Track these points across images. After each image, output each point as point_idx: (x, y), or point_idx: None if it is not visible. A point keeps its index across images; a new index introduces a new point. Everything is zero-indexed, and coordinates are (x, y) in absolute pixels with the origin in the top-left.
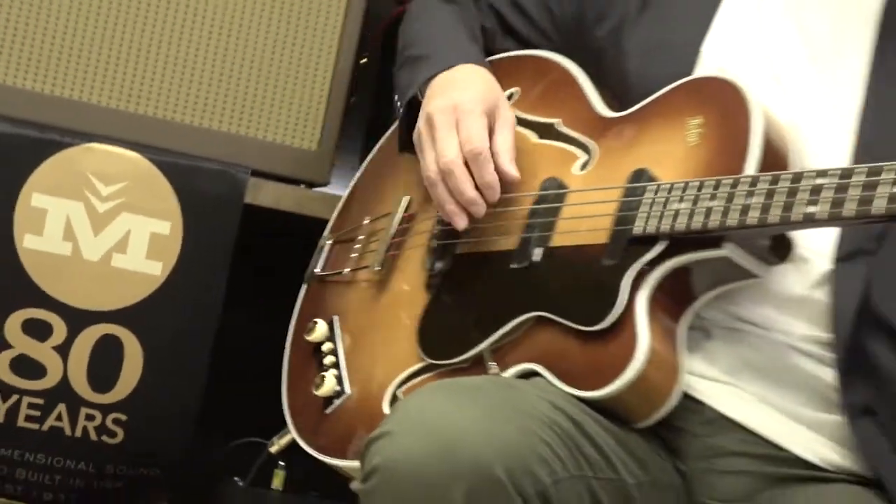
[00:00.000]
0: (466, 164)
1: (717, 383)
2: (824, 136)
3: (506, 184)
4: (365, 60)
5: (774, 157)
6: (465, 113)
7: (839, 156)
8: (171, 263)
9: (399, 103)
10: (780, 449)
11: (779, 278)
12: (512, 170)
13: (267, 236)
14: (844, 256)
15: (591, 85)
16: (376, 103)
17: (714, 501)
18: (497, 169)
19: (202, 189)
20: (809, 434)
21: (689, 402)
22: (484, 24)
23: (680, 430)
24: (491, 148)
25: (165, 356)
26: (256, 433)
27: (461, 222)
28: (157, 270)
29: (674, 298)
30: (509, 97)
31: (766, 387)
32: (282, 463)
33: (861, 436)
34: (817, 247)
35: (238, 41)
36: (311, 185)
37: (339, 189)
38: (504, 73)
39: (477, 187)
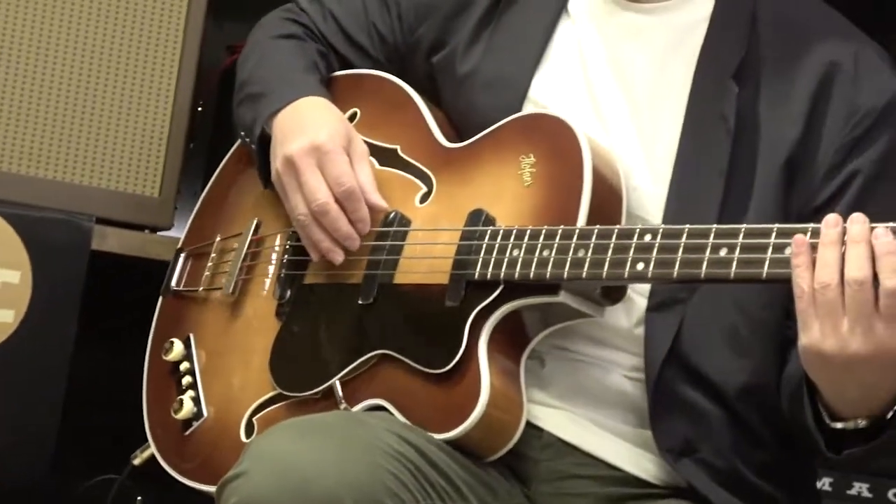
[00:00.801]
0: (336, 202)
1: (552, 409)
2: (644, 181)
3: (374, 215)
4: (201, 108)
5: (605, 193)
6: (328, 153)
7: (657, 202)
8: (22, 311)
9: (248, 140)
10: (614, 468)
11: (606, 312)
12: (380, 201)
13: (115, 280)
14: (655, 307)
15: (429, 110)
16: (215, 148)
17: None
18: (366, 202)
19: (49, 238)
20: (638, 452)
21: (529, 428)
22: (323, 52)
23: (523, 455)
24: None
25: (21, 400)
26: (115, 469)
27: (339, 257)
28: (9, 318)
29: (512, 338)
30: (351, 118)
31: (597, 409)
32: (140, 498)
33: (686, 475)
34: (640, 287)
35: (77, 95)
36: (154, 229)
37: (183, 232)
38: (343, 92)
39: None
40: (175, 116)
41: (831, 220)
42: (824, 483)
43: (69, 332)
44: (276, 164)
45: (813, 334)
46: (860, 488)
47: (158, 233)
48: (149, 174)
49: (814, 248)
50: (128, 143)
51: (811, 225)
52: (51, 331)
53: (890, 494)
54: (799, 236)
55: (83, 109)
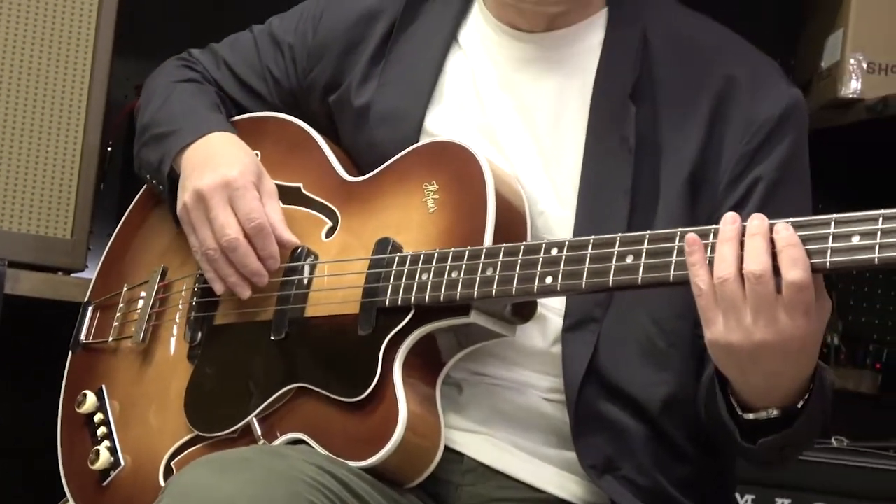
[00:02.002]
0: (246, 237)
1: (472, 434)
2: (550, 206)
3: (283, 251)
4: (110, 148)
5: (509, 214)
6: (239, 189)
7: (565, 225)
8: None
9: (155, 181)
10: (537, 490)
11: (521, 334)
12: (291, 237)
13: (29, 323)
14: (571, 326)
15: (330, 147)
16: (126, 187)
17: None
18: (276, 239)
19: None
20: (560, 473)
21: (449, 454)
22: (221, 95)
23: (444, 481)
24: None
25: None
26: None
27: (246, 292)
28: None
29: (427, 363)
30: None
31: (517, 432)
32: None
33: (609, 492)
34: (554, 304)
35: None
36: (68, 271)
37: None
38: (244, 135)
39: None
40: (84, 157)
41: (728, 217)
42: (747, 500)
43: None
44: (185, 196)
45: (717, 329)
46: (783, 503)
47: (72, 275)
48: (60, 216)
49: (714, 248)
50: (38, 186)
51: (713, 227)
52: None
53: None
54: (691, 235)
55: None
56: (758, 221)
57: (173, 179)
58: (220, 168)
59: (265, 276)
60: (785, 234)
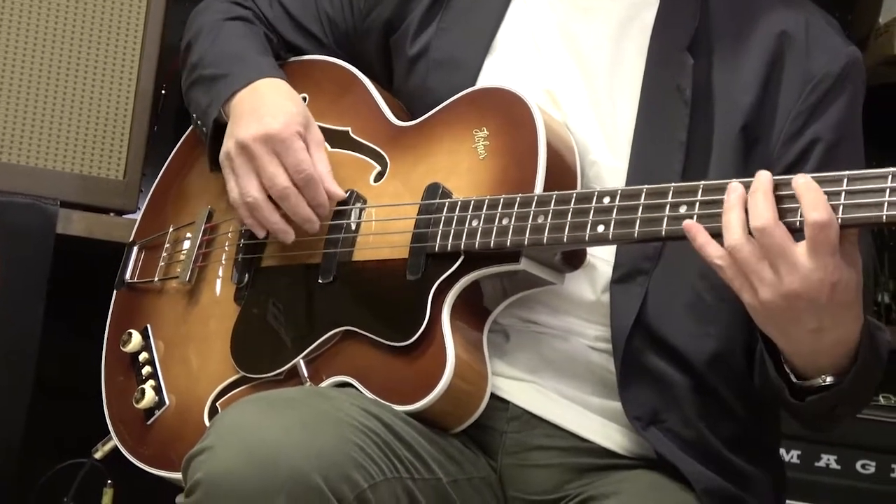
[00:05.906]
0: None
1: (518, 381)
2: (602, 156)
3: (330, 202)
4: (164, 91)
5: (560, 163)
6: (285, 141)
7: (617, 176)
8: None
9: (200, 122)
10: (581, 439)
11: (570, 283)
12: (337, 189)
13: (81, 263)
14: (620, 278)
15: (379, 92)
16: (179, 130)
17: (526, 495)
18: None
19: (14, 223)
20: (605, 423)
21: (494, 401)
22: (269, 36)
23: (488, 428)
24: None
25: None
26: (84, 453)
27: (291, 237)
28: None
29: (475, 309)
30: None
31: (564, 382)
32: (110, 482)
33: (654, 443)
34: (603, 255)
35: (40, 79)
36: (120, 212)
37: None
38: (291, 78)
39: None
40: (138, 99)
41: (731, 187)
42: (792, 455)
43: (36, 316)
44: (229, 144)
45: (748, 292)
46: (828, 460)
47: (124, 216)
48: (113, 157)
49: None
50: (91, 127)
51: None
52: (18, 316)
53: (858, 465)
54: (687, 222)
55: (46, 93)
56: (756, 180)
57: (219, 124)
58: (264, 118)
59: (317, 222)
60: (802, 180)
